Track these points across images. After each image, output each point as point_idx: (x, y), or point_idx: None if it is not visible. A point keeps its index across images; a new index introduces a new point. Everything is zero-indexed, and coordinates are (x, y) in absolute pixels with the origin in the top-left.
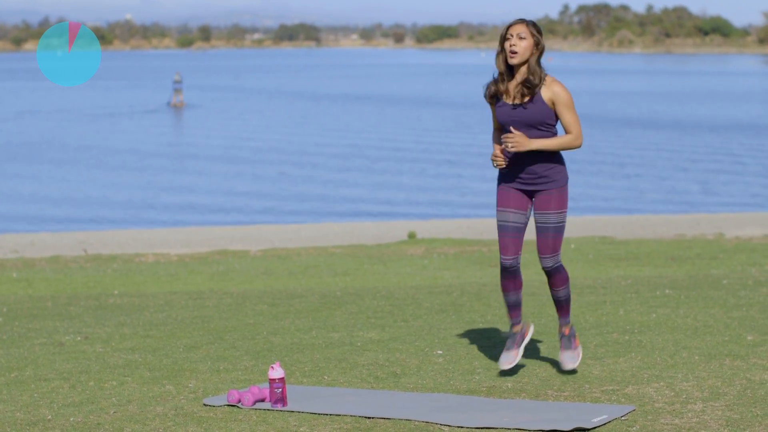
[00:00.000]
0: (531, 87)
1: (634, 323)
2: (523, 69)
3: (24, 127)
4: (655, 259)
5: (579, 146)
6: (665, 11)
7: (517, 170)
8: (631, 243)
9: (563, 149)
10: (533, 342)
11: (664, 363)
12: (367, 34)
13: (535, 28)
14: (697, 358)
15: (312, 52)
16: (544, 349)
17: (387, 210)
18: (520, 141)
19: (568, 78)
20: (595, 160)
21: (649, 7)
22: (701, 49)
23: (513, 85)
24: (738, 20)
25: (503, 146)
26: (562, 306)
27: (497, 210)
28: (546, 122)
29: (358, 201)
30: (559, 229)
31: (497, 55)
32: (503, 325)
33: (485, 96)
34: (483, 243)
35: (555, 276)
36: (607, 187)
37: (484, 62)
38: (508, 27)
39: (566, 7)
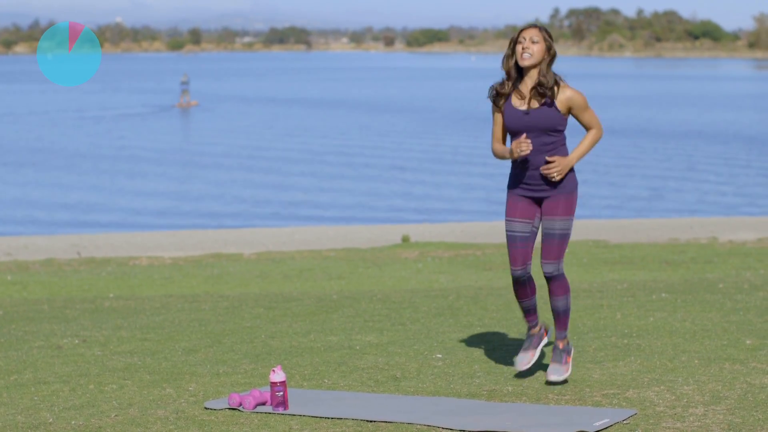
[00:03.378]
0: (544, 90)
1: (632, 327)
2: (534, 73)
3: (15, 130)
4: (650, 263)
5: (602, 136)
6: (655, 15)
7: (526, 176)
8: (625, 247)
9: (592, 147)
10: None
11: (664, 367)
12: (358, 37)
13: (548, 33)
14: (696, 361)
15: (302, 55)
16: (544, 353)
17: (380, 214)
18: (562, 167)
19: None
20: (588, 165)
21: (640, 11)
22: (691, 53)
23: (525, 89)
24: (728, 24)
25: (547, 174)
26: (559, 317)
27: (506, 220)
28: (557, 128)
29: (351, 205)
30: (564, 236)
31: (506, 57)
32: (501, 328)
33: (490, 97)
34: (477, 246)
35: (555, 283)
36: (600, 190)
37: (475, 66)
38: (521, 31)
39: (557, 11)
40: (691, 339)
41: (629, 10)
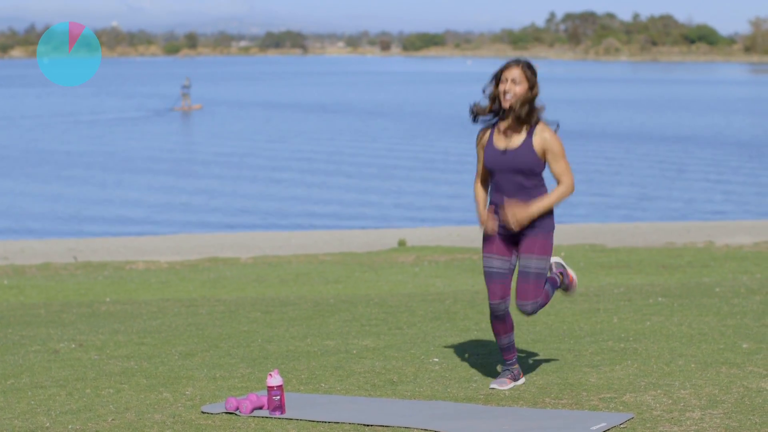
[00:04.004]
0: (520, 123)
1: (628, 331)
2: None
3: (11, 134)
4: (646, 266)
5: (572, 193)
6: (651, 19)
7: (503, 215)
8: (621, 251)
9: (559, 203)
10: (530, 349)
11: (661, 371)
12: (354, 41)
13: (530, 70)
14: (693, 366)
15: (298, 59)
16: (540, 357)
17: (376, 218)
18: (519, 217)
19: (556, 86)
20: (583, 169)
21: (636, 15)
22: (687, 57)
23: (505, 129)
24: (724, 29)
25: (500, 220)
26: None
27: (483, 256)
28: (534, 170)
29: (347, 209)
30: (540, 276)
31: (490, 94)
32: None
33: (472, 115)
34: (473, 251)
35: (528, 316)
36: (596, 195)
37: (470, 70)
38: (503, 69)
39: (552, 15)
40: (687, 343)
41: (625, 14)
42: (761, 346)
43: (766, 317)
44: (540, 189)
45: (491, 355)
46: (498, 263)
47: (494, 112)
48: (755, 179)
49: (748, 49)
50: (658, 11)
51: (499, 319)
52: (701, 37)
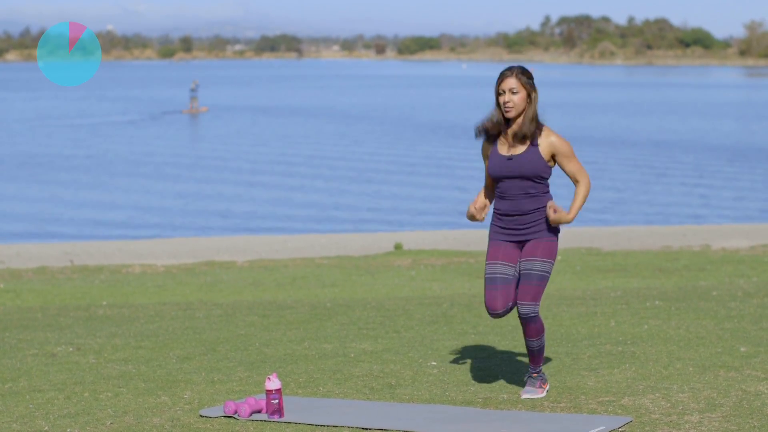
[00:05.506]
0: (522, 136)
1: (626, 334)
2: (520, 120)
3: (7, 137)
4: (643, 270)
5: (590, 184)
6: (646, 23)
7: (510, 222)
8: (618, 254)
9: (586, 200)
10: (527, 355)
11: (659, 374)
12: (349, 45)
13: (525, 76)
14: (691, 369)
15: (294, 63)
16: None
17: (373, 221)
18: (560, 218)
19: (549, 90)
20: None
21: (631, 19)
22: (682, 60)
23: (510, 136)
24: (719, 32)
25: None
26: (533, 355)
27: (486, 263)
28: (541, 175)
29: (344, 212)
30: (543, 278)
31: (495, 107)
32: (495, 336)
33: (477, 134)
34: (470, 254)
35: (530, 325)
36: (592, 198)
37: (466, 73)
38: (500, 82)
39: (547, 19)
40: (685, 346)
41: (620, 18)
42: (759, 349)
43: (763, 321)
44: (546, 194)
45: (489, 359)
46: (501, 269)
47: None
48: (734, 183)
49: (743, 52)
50: (653, 15)
51: (498, 317)
52: (696, 41)
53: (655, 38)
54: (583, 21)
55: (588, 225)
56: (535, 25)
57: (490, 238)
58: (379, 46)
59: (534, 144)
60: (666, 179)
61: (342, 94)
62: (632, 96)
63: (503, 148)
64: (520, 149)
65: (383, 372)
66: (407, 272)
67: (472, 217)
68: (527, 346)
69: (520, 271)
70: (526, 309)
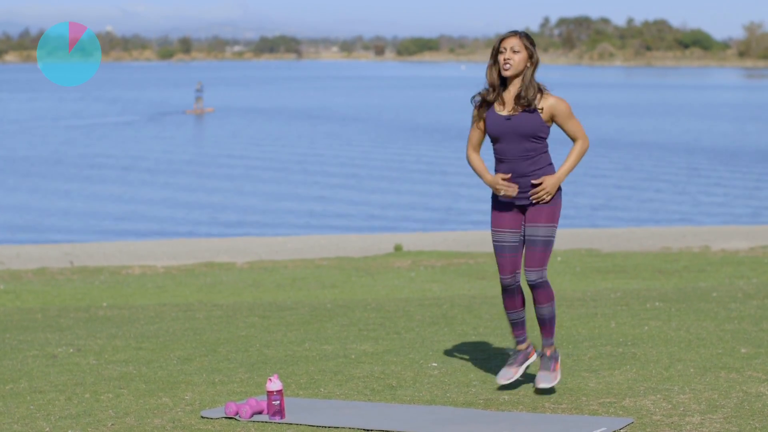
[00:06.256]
0: (526, 101)
1: (626, 336)
2: (517, 81)
3: (6, 138)
4: (643, 271)
5: (588, 146)
6: (646, 24)
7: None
8: (617, 256)
9: (579, 161)
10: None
11: (660, 375)
12: (348, 46)
13: (529, 40)
14: (692, 370)
15: (293, 64)
16: (539, 362)
17: (372, 222)
18: (549, 188)
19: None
20: (578, 174)
21: (630, 20)
22: (682, 62)
23: (508, 97)
24: (718, 33)
25: (536, 198)
26: (545, 325)
27: (492, 230)
28: (539, 135)
29: (343, 213)
30: (548, 243)
31: (489, 67)
32: (496, 337)
33: (473, 104)
34: (470, 255)
35: (539, 291)
36: (591, 199)
37: (465, 75)
38: (501, 40)
39: (547, 20)
40: (686, 348)
41: (619, 19)
42: (760, 350)
43: (763, 322)
44: (544, 155)
45: (490, 360)
46: (508, 237)
47: (495, 87)
48: (721, 186)
49: (742, 53)
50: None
51: (510, 294)
52: (695, 42)
53: (654, 39)
54: (582, 22)
55: (588, 226)
56: (534, 26)
57: (493, 204)
58: (378, 47)
59: (534, 108)
60: (670, 179)
61: (342, 95)
62: (628, 98)
63: (500, 109)
64: (518, 110)
65: (384, 373)
66: (407, 273)
67: (505, 195)
68: (538, 316)
69: (524, 236)
70: (534, 275)
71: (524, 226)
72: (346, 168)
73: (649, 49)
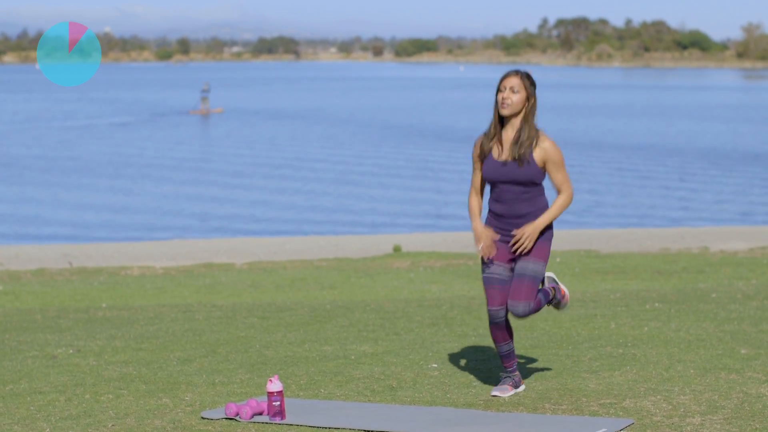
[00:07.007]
0: (522, 147)
1: (626, 337)
2: (515, 122)
3: (5, 138)
4: (642, 272)
5: (571, 203)
6: (644, 25)
7: (505, 223)
8: (616, 256)
9: (561, 213)
10: (528, 355)
11: (660, 376)
12: (346, 47)
13: (529, 80)
14: (692, 371)
15: (291, 65)
16: (539, 363)
17: (371, 223)
18: (530, 236)
19: (547, 93)
20: (577, 175)
21: (628, 21)
22: (680, 63)
23: (506, 138)
24: (717, 34)
25: (518, 248)
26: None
27: (482, 263)
28: (534, 181)
29: (342, 214)
30: (535, 279)
31: (495, 104)
32: None
33: (477, 153)
34: (469, 256)
35: (521, 320)
36: (590, 200)
37: (463, 76)
38: (503, 79)
39: (545, 21)
40: (686, 349)
41: (618, 20)
42: (760, 351)
43: (763, 323)
44: (540, 197)
45: (490, 361)
46: (497, 270)
47: (495, 130)
48: (712, 186)
49: (741, 54)
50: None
51: (499, 326)
52: (694, 43)
53: (652, 40)
54: (581, 23)
55: (587, 227)
56: (533, 28)
57: None
58: (376, 48)
59: (530, 152)
60: (670, 179)
61: (342, 96)
62: (625, 99)
63: (497, 153)
64: (514, 154)
65: (384, 374)
66: (406, 274)
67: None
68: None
69: (514, 270)
70: (519, 308)
71: (514, 261)
72: (346, 168)
73: (647, 50)
